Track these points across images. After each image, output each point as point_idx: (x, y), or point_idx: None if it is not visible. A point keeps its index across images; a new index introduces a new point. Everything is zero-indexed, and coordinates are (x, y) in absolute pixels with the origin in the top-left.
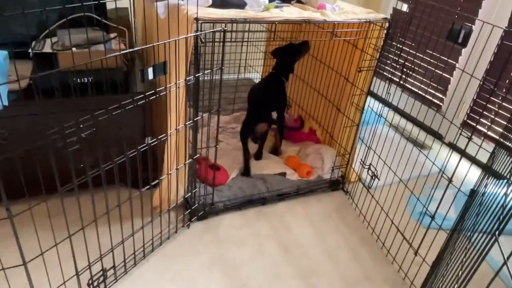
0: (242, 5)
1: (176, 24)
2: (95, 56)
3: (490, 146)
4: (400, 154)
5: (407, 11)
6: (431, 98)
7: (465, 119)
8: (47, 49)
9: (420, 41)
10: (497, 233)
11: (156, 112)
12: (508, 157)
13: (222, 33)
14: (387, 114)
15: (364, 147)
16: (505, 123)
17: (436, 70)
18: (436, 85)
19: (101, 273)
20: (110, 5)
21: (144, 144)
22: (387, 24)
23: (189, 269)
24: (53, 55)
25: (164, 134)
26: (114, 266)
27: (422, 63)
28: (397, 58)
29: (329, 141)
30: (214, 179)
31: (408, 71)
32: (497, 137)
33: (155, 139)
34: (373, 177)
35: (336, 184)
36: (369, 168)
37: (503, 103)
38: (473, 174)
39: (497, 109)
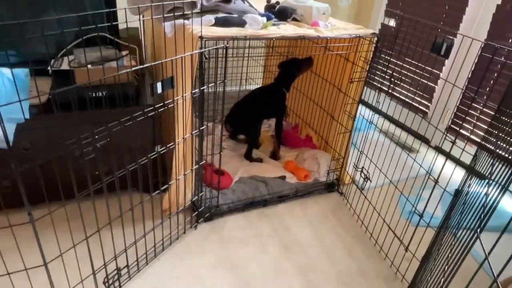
0: (242, 24)
1: (182, 42)
2: (109, 72)
3: (473, 149)
4: (390, 158)
5: (394, 26)
6: (417, 105)
7: (450, 124)
8: (65, 66)
9: (406, 53)
10: (478, 230)
11: (165, 122)
12: (489, 158)
13: (224, 50)
14: (377, 121)
15: (357, 152)
16: (486, 127)
17: (421, 80)
18: (422, 93)
19: (115, 271)
20: (121, 25)
21: (154, 152)
22: (375, 39)
23: (196, 267)
24: (70, 72)
25: (173, 143)
26: (127, 265)
27: (408, 74)
28: (385, 69)
29: (325, 147)
30: (219, 183)
31: (395, 81)
32: (479, 140)
33: (164, 148)
34: (366, 179)
35: (332, 186)
36: (361, 171)
37: (484, 109)
38: (458, 174)
39: (478, 115)
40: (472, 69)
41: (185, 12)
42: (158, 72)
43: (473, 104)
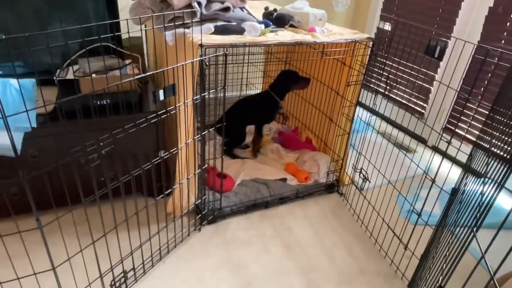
0: (241, 31)
1: (183, 50)
2: (112, 81)
3: (468, 148)
4: (388, 158)
5: (390, 29)
6: (414, 107)
7: (445, 124)
8: (70, 76)
9: (402, 56)
10: (475, 229)
11: (167, 128)
12: (485, 156)
13: (224, 56)
14: (375, 122)
15: (356, 153)
16: (481, 126)
17: (417, 82)
18: (417, 95)
19: (122, 274)
20: (124, 35)
21: (158, 158)
22: (371, 43)
23: (200, 269)
24: (75, 81)
25: (175, 148)
26: (134, 268)
27: (404, 76)
28: (381, 72)
29: (324, 149)
30: (221, 186)
31: (392, 83)
32: (474, 139)
33: (167, 153)
34: (365, 180)
35: (332, 187)
36: (360, 172)
37: (478, 109)
38: (455, 173)
39: (473, 114)
40: (466, 70)
41: (185, 21)
42: (160, 79)
43: (467, 104)
